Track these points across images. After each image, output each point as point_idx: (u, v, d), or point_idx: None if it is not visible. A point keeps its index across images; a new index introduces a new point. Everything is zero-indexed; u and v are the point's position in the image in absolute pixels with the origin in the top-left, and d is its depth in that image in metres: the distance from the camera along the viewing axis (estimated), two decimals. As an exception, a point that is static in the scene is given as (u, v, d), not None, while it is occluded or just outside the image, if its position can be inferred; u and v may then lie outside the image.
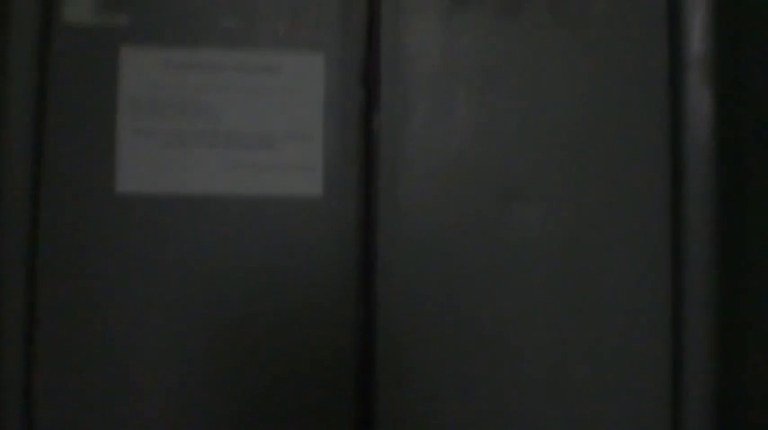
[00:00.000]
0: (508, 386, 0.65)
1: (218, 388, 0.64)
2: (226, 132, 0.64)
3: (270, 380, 0.64)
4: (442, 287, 0.65)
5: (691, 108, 0.66)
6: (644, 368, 0.66)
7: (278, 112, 0.65)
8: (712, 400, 0.66)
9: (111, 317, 0.63)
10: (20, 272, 0.63)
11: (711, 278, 0.66)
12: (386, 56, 0.66)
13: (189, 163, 0.64)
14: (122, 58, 0.64)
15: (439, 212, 0.65)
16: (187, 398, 0.64)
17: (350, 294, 0.65)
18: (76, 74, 0.63)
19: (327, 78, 0.65)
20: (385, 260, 0.65)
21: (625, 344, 0.66)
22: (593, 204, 0.66)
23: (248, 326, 0.64)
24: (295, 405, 0.64)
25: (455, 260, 0.65)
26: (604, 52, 0.67)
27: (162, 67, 0.64)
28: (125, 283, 0.63)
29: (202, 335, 0.64)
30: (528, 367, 0.65)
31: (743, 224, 0.66)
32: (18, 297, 0.62)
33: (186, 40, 0.64)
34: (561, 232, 0.66)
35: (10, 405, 0.62)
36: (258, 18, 0.65)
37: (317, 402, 0.64)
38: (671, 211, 0.67)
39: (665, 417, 0.66)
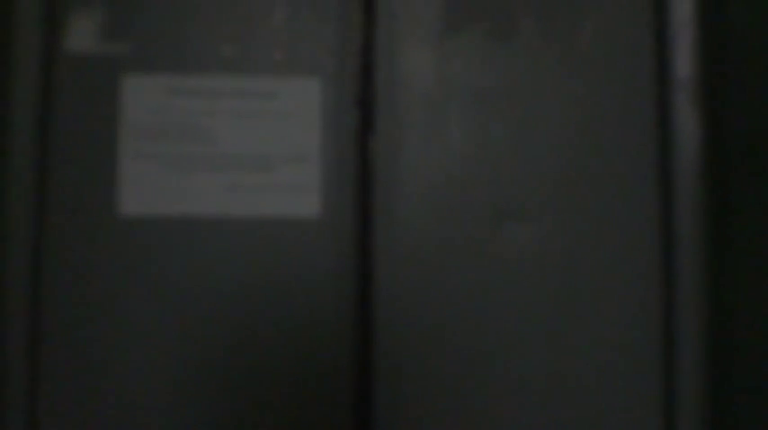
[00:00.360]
0: (503, 399, 0.66)
1: (218, 405, 0.65)
2: (225, 155, 0.66)
3: (269, 399, 0.65)
4: (438, 304, 0.66)
5: (678, 127, 0.67)
6: (636, 382, 0.67)
7: (276, 136, 0.66)
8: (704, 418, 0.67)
9: (114, 334, 0.65)
10: (25, 290, 0.64)
11: (701, 291, 0.67)
12: (381, 79, 0.67)
13: (189, 185, 0.66)
14: (123, 85, 0.65)
15: (434, 231, 0.67)
16: (188, 415, 0.65)
17: (347, 312, 0.66)
18: (79, 101, 0.65)
19: (324, 102, 0.67)
20: (382, 278, 0.66)
21: (618, 359, 0.67)
22: (585, 222, 0.68)
23: (247, 344, 0.65)
24: (294, 422, 0.65)
25: (451, 277, 0.67)
26: (594, 74, 0.68)
27: (162, 94, 0.65)
28: (127, 301, 0.65)
29: (202, 353, 0.65)
30: (522, 381, 0.66)
31: (730, 238, 0.67)
32: (23, 315, 0.64)
33: (185, 67, 0.66)
34: (553, 249, 0.67)
35: (14, 421, 0.64)
36: (255, 45, 0.67)
37: (315, 419, 0.65)
38: (661, 227, 0.68)
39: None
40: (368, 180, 0.67)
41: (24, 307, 0.64)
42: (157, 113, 0.65)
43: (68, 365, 0.64)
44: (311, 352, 0.65)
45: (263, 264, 0.66)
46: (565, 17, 0.68)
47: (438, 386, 0.66)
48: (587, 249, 0.67)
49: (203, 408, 0.65)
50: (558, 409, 0.66)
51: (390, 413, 0.66)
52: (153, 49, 0.66)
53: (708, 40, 0.67)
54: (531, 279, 0.67)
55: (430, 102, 0.67)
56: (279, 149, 0.66)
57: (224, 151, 0.66)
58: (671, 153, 0.67)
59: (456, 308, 0.67)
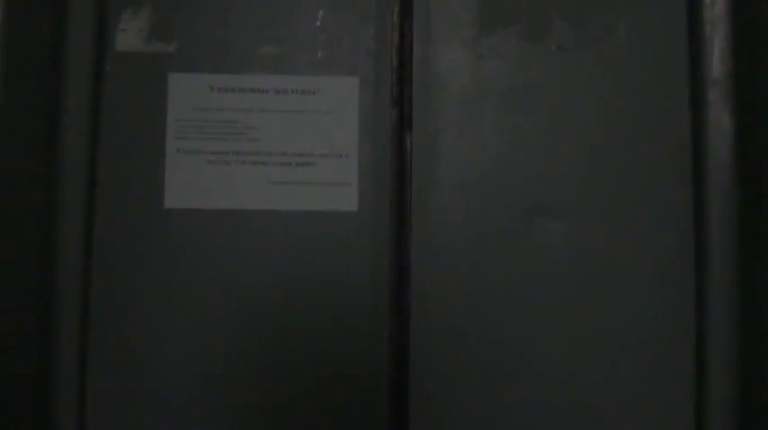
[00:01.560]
0: (535, 395, 0.67)
1: (256, 392, 0.67)
2: (266, 151, 0.68)
3: (306, 387, 0.67)
4: (471, 297, 0.68)
5: (711, 125, 0.68)
6: (669, 379, 0.67)
7: (315, 132, 0.68)
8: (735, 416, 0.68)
9: (158, 324, 0.67)
10: (76, 282, 0.66)
11: (733, 289, 0.67)
12: (417, 78, 0.69)
13: (232, 180, 0.68)
14: (170, 83, 0.68)
15: (468, 226, 0.68)
16: (227, 401, 0.67)
17: (384, 303, 0.67)
18: (127, 99, 0.68)
19: (362, 100, 0.69)
20: (417, 271, 0.68)
21: (650, 356, 0.67)
22: (617, 219, 0.68)
23: (287, 334, 0.67)
24: (331, 411, 0.67)
25: (484, 272, 0.68)
26: (627, 73, 0.69)
27: (207, 92, 0.68)
28: (172, 291, 0.67)
29: (242, 343, 0.67)
30: (553, 377, 0.67)
31: (763, 235, 0.67)
32: (75, 303, 0.66)
33: (229, 66, 0.68)
34: (585, 246, 0.68)
35: (65, 406, 0.66)
36: (297, 45, 0.69)
37: (352, 408, 0.67)
38: (693, 225, 0.68)
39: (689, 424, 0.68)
40: (404, 176, 0.68)
41: (77, 295, 0.66)
42: (202, 111, 0.68)
43: (115, 351, 0.67)
44: (349, 342, 0.67)
45: (303, 257, 0.67)
46: (598, 17, 0.69)
47: (471, 377, 0.67)
48: (619, 246, 0.68)
49: (242, 395, 0.67)
50: (587, 406, 0.67)
51: (425, 403, 0.67)
52: (198, 48, 0.68)
53: (740, 38, 0.68)
54: (563, 275, 0.68)
55: (465, 101, 0.69)
56: (319, 146, 0.68)
57: (266, 147, 0.68)
58: (704, 151, 0.68)
59: (488, 301, 0.68)
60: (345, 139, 0.68)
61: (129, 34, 0.68)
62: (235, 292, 0.67)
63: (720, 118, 0.68)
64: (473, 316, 0.68)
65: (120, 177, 0.67)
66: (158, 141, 0.67)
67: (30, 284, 0.64)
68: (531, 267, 0.68)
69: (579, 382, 0.67)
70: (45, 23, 0.65)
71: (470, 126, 0.69)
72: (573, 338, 0.67)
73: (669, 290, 0.68)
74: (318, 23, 0.69)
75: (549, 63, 0.69)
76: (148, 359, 0.67)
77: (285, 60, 0.69)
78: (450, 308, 0.68)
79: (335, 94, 0.68)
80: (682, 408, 0.67)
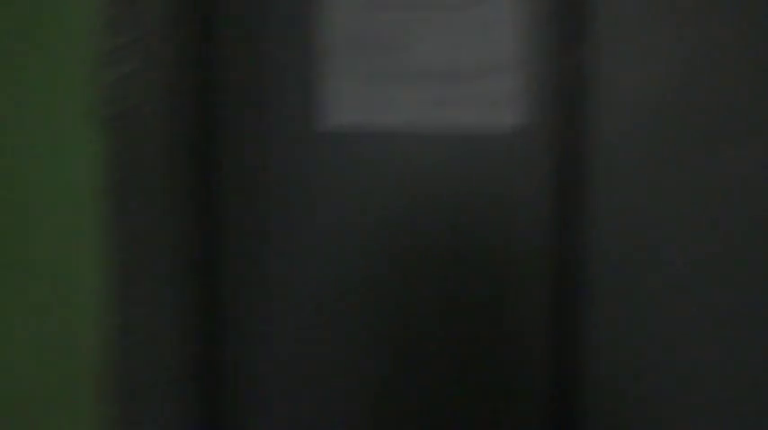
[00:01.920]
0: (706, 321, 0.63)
1: (411, 314, 0.66)
2: (424, 68, 0.65)
3: (462, 311, 0.65)
4: (649, 223, 0.63)
5: None
6: None
7: (476, 47, 0.64)
8: None
9: (312, 243, 0.67)
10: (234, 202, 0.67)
11: None
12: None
13: (388, 99, 0.65)
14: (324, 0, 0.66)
15: (647, 150, 0.63)
16: (382, 323, 0.66)
17: (548, 222, 0.64)
18: (281, 18, 0.66)
19: (525, 12, 0.64)
20: (590, 193, 0.64)
21: None
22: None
23: (443, 258, 0.65)
24: (488, 338, 0.65)
25: (664, 199, 0.63)
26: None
27: (362, 8, 0.65)
28: (327, 212, 0.66)
29: (398, 264, 0.66)
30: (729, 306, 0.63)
31: None
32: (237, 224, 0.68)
33: (387, -22, 0.65)
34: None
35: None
36: (457, -47, 0.65)
37: (509, 338, 0.65)
38: None
39: None
40: (573, 93, 0.64)
41: (240, 219, 0.67)
42: (357, 27, 0.65)
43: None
44: (509, 260, 0.64)
45: (462, 177, 0.65)
46: None
47: (641, 307, 0.64)
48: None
49: (395, 317, 0.66)
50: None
51: (592, 327, 0.64)
52: (354, -38, 0.66)
53: None
54: (749, 203, 0.62)
55: (641, 17, 0.63)
56: (480, 61, 0.64)
57: (424, 64, 0.65)
58: None
59: (668, 230, 0.63)
60: (508, 54, 0.64)
61: (282, -49, 0.66)
62: (387, 212, 0.65)
63: None
64: (646, 243, 0.63)
65: (275, 98, 0.66)
66: (312, 61, 0.66)
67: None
68: (712, 195, 0.62)
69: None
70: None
71: (648, 42, 0.63)
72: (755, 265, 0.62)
73: None
74: (479, -68, 0.64)
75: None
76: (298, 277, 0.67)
77: (443, -28, 0.65)
78: (625, 228, 0.64)
79: (497, 5, 0.64)
80: None
